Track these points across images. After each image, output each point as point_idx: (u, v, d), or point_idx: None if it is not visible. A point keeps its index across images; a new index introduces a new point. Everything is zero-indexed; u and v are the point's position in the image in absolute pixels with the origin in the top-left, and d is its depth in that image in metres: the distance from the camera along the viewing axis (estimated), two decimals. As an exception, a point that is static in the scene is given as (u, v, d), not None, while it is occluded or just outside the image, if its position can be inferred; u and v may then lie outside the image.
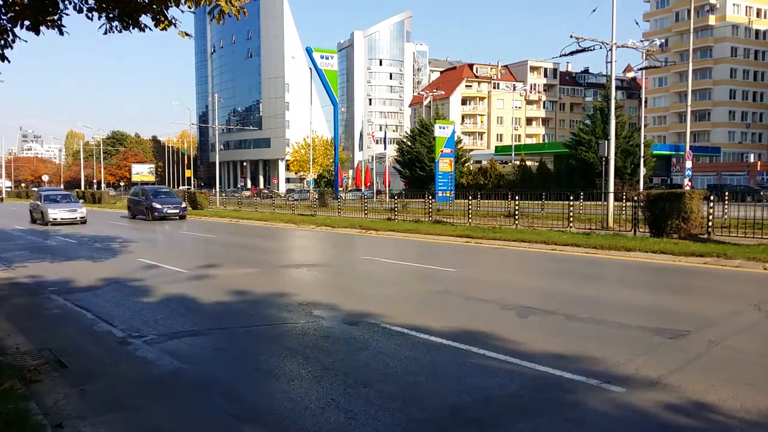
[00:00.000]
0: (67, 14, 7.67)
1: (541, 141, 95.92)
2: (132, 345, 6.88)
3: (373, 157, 78.68)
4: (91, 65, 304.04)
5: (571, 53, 21.71)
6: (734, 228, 16.13)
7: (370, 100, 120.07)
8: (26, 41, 8.27)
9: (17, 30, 7.60)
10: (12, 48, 7.80)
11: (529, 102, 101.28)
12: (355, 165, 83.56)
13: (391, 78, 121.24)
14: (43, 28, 7.60)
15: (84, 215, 27.23)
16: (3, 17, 7.57)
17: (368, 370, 5.80)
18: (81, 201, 35.29)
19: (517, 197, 22.31)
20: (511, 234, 18.10)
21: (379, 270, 13.04)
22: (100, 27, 7.65)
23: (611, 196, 21.02)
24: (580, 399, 4.94)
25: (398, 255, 15.71)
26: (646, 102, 61.71)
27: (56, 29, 7.69)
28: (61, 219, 26.51)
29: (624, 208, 23.52)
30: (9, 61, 7.77)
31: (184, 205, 31.52)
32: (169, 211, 29.76)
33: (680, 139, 64.38)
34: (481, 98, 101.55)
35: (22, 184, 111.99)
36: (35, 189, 62.10)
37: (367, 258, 14.86)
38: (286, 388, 5.33)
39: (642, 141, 43.63)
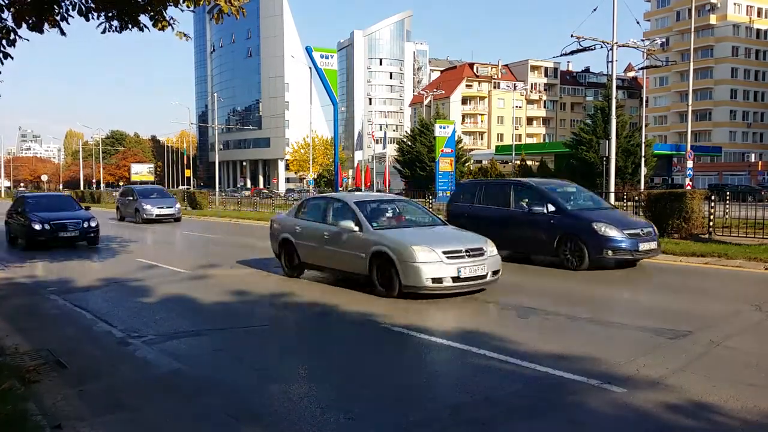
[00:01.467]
0: (72, 17, 7.62)
1: (541, 140, 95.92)
2: (131, 345, 6.86)
3: (373, 156, 78.65)
4: (90, 64, 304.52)
5: (572, 52, 21.76)
6: (735, 228, 16.07)
7: (370, 99, 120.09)
8: (28, 40, 8.25)
9: (20, 29, 7.60)
10: (15, 46, 7.79)
11: (529, 101, 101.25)
12: (355, 165, 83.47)
13: (391, 77, 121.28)
14: (45, 27, 7.58)
15: None
16: (5, 17, 7.55)
17: (368, 370, 5.78)
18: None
19: (517, 197, 22.20)
20: (512, 234, 17.98)
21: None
22: (98, 26, 7.62)
23: (612, 196, 21.02)
24: (580, 399, 4.92)
25: (398, 255, 15.65)
26: (647, 101, 61.71)
27: (57, 29, 7.67)
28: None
29: (625, 208, 23.43)
30: (12, 58, 7.78)
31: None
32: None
33: (681, 139, 64.30)
34: (482, 98, 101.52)
35: (21, 184, 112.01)
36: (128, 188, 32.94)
37: (367, 258, 14.81)
38: (285, 389, 5.30)
39: (643, 141, 43.66)
